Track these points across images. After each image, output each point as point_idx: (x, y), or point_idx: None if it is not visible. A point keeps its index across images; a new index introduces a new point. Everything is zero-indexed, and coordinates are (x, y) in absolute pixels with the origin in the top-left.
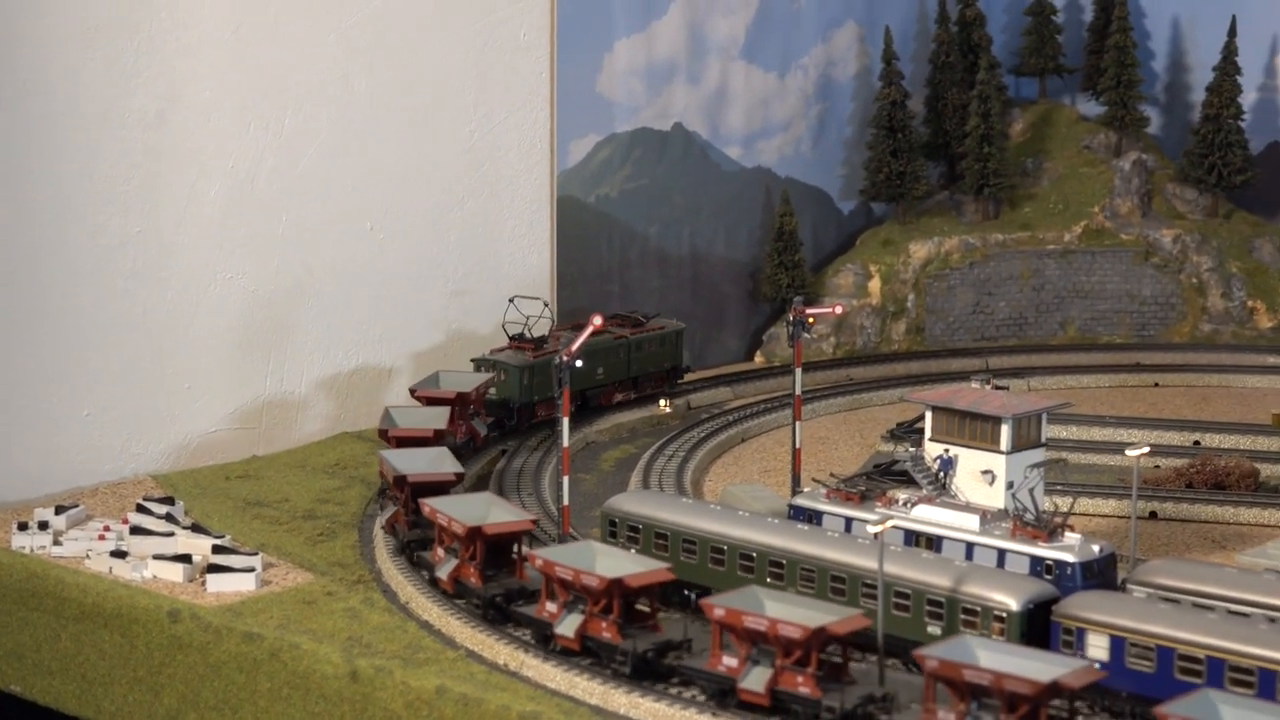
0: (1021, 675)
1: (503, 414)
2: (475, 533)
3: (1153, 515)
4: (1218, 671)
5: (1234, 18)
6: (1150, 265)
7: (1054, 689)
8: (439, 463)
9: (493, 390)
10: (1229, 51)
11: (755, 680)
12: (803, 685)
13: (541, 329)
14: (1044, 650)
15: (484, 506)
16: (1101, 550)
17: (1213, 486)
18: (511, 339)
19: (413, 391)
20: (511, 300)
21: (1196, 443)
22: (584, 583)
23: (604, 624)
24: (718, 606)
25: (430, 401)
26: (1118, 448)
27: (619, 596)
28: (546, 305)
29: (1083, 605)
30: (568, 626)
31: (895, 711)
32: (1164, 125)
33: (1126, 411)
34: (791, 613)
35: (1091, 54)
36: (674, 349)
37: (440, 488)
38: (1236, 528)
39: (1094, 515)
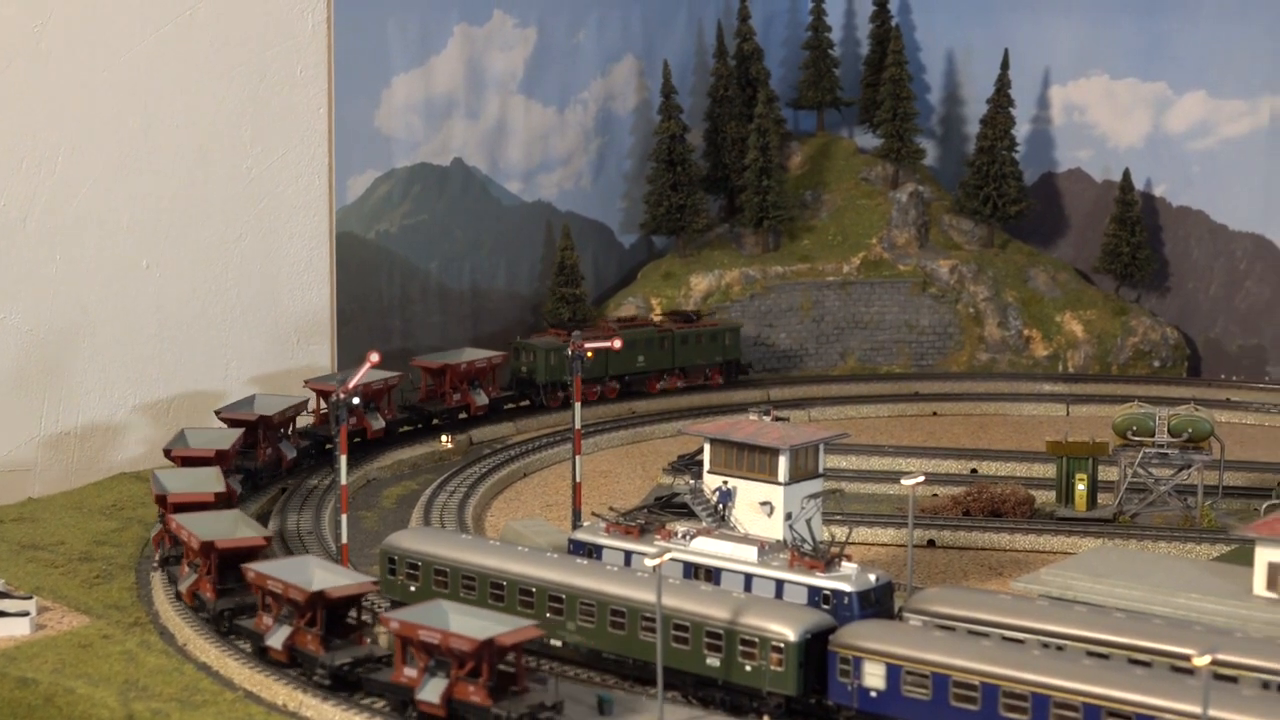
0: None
1: (531, 392)
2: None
3: (931, 543)
4: (992, 697)
5: (1006, 51)
6: (928, 295)
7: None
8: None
9: (524, 369)
10: (1002, 84)
11: (431, 691)
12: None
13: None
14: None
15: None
16: (878, 579)
17: (989, 514)
18: (551, 326)
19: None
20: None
21: (974, 470)
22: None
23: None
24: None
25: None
26: (897, 477)
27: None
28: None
29: (859, 634)
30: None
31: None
32: (940, 157)
33: (905, 441)
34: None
35: (868, 87)
36: (727, 345)
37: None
38: (1013, 554)
39: (873, 544)
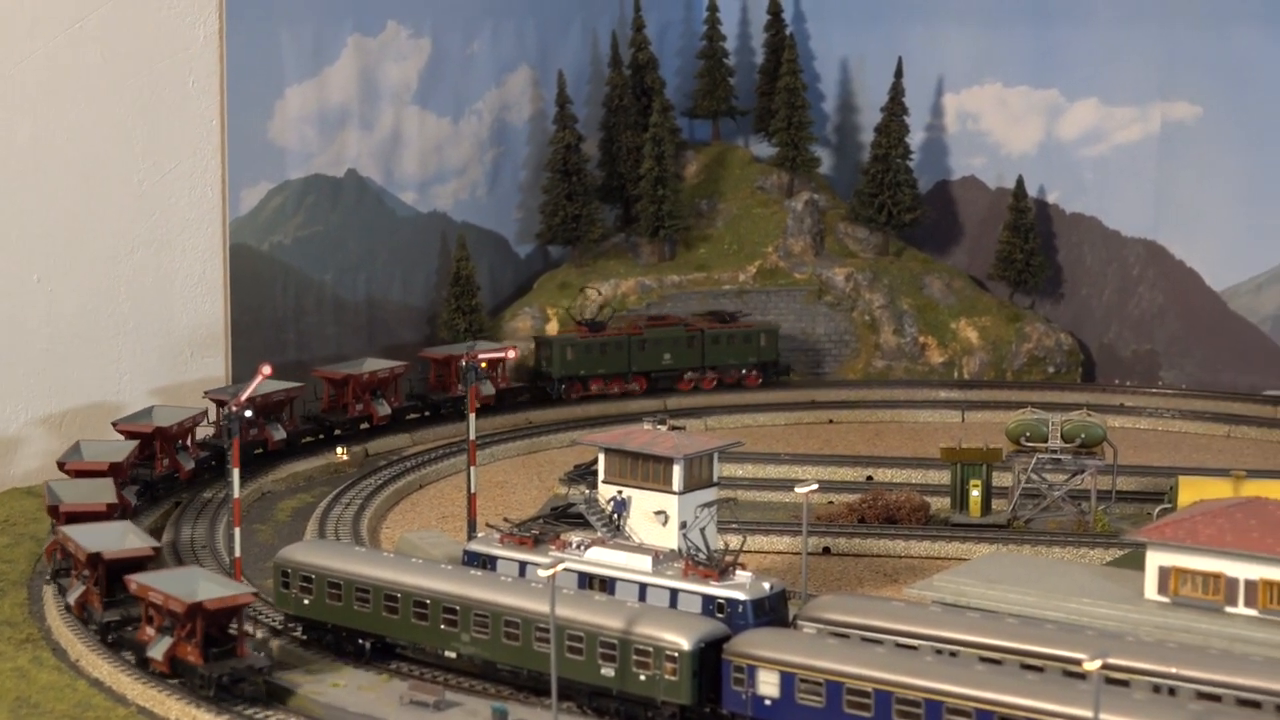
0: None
1: (548, 385)
2: (196, 609)
3: (826, 551)
4: (885, 704)
5: (900, 59)
6: (824, 303)
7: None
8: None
9: (543, 364)
10: (896, 92)
11: (158, 649)
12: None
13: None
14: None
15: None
16: (772, 588)
17: (885, 521)
18: (577, 322)
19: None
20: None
21: (869, 478)
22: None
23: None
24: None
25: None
26: (793, 484)
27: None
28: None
29: (753, 643)
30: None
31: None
32: (835, 165)
33: (802, 448)
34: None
35: (763, 96)
36: (762, 347)
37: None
38: (908, 561)
39: (769, 552)
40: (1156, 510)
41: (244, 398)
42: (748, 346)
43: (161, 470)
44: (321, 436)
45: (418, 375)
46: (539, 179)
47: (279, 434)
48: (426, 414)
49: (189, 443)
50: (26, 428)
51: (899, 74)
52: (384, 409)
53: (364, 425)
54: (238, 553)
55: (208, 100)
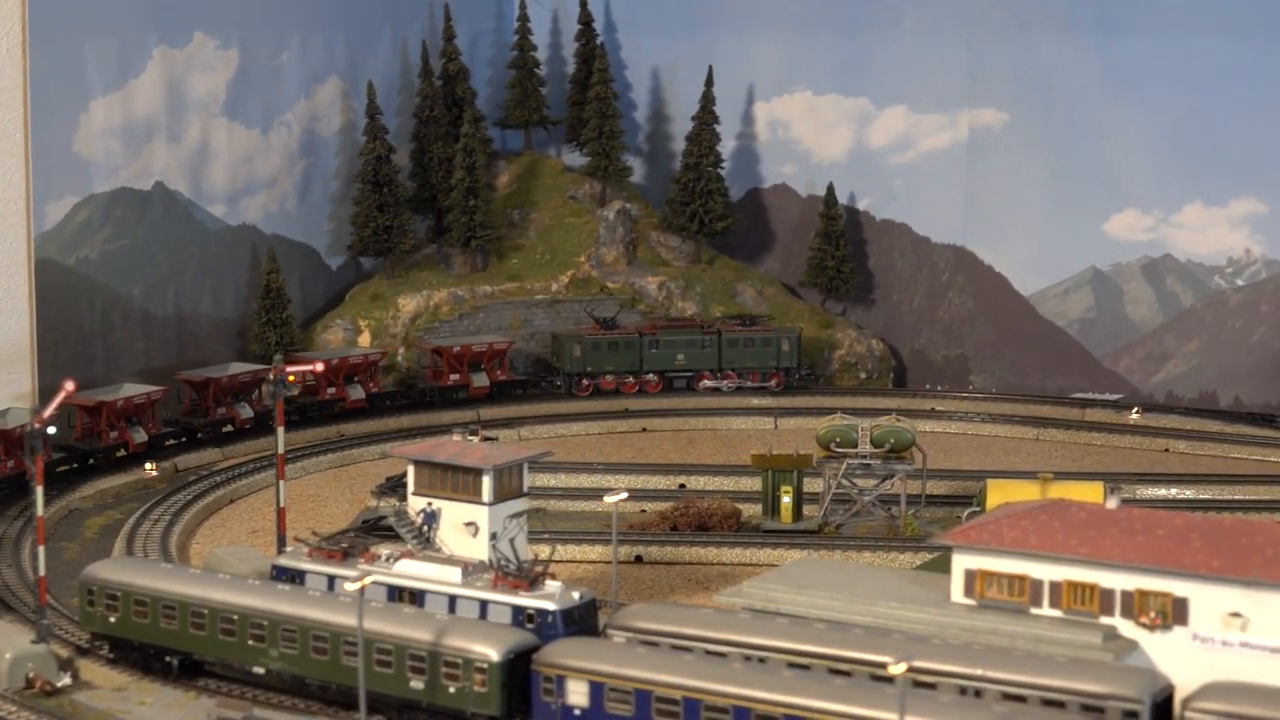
0: None
1: (561, 381)
2: None
3: (639, 559)
4: (694, 711)
5: (710, 68)
6: (637, 312)
7: None
8: None
9: (555, 360)
10: (707, 101)
11: None
12: None
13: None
14: None
15: None
16: (582, 597)
17: (697, 528)
18: (596, 321)
19: None
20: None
21: (682, 485)
22: None
23: None
24: None
25: None
26: (605, 494)
27: None
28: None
29: (562, 653)
30: None
31: None
32: (647, 174)
33: (615, 457)
34: None
35: (574, 105)
36: (782, 352)
37: None
38: (720, 568)
39: (581, 561)
40: (965, 513)
41: (46, 415)
42: (767, 350)
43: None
44: (185, 440)
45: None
46: (350, 190)
47: (140, 436)
48: (184, 440)
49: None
50: None
51: (709, 83)
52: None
53: (120, 453)
54: (42, 571)
55: (10, 113)
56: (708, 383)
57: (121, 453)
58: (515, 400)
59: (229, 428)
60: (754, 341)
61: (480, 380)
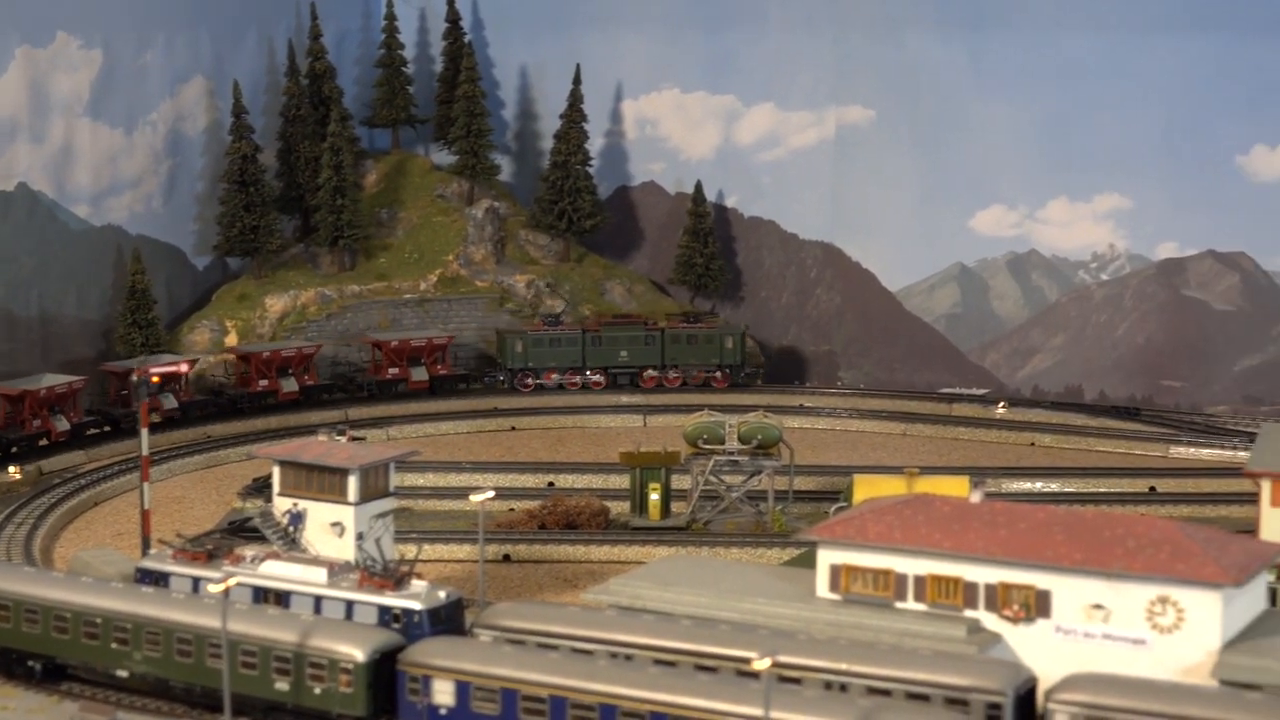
0: None
1: (504, 376)
2: None
3: (507, 558)
4: (560, 710)
5: (578, 66)
6: (505, 311)
7: None
8: None
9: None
10: (575, 99)
11: None
12: None
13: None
14: None
15: None
16: (448, 596)
17: (565, 526)
18: (542, 318)
19: None
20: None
21: (551, 484)
22: None
23: None
24: None
25: None
26: (472, 492)
27: None
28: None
29: (428, 652)
30: None
31: None
32: (516, 173)
33: (484, 456)
34: None
35: (442, 104)
36: (726, 349)
37: None
38: (588, 566)
39: (449, 561)
40: (833, 509)
41: None
42: (710, 348)
43: None
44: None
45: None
46: (216, 190)
47: (62, 425)
48: (107, 429)
49: None
50: None
51: (577, 81)
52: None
53: (42, 441)
54: None
55: None
56: (653, 372)
57: (44, 441)
58: (384, 399)
59: (44, 441)
60: (697, 339)
61: (419, 374)
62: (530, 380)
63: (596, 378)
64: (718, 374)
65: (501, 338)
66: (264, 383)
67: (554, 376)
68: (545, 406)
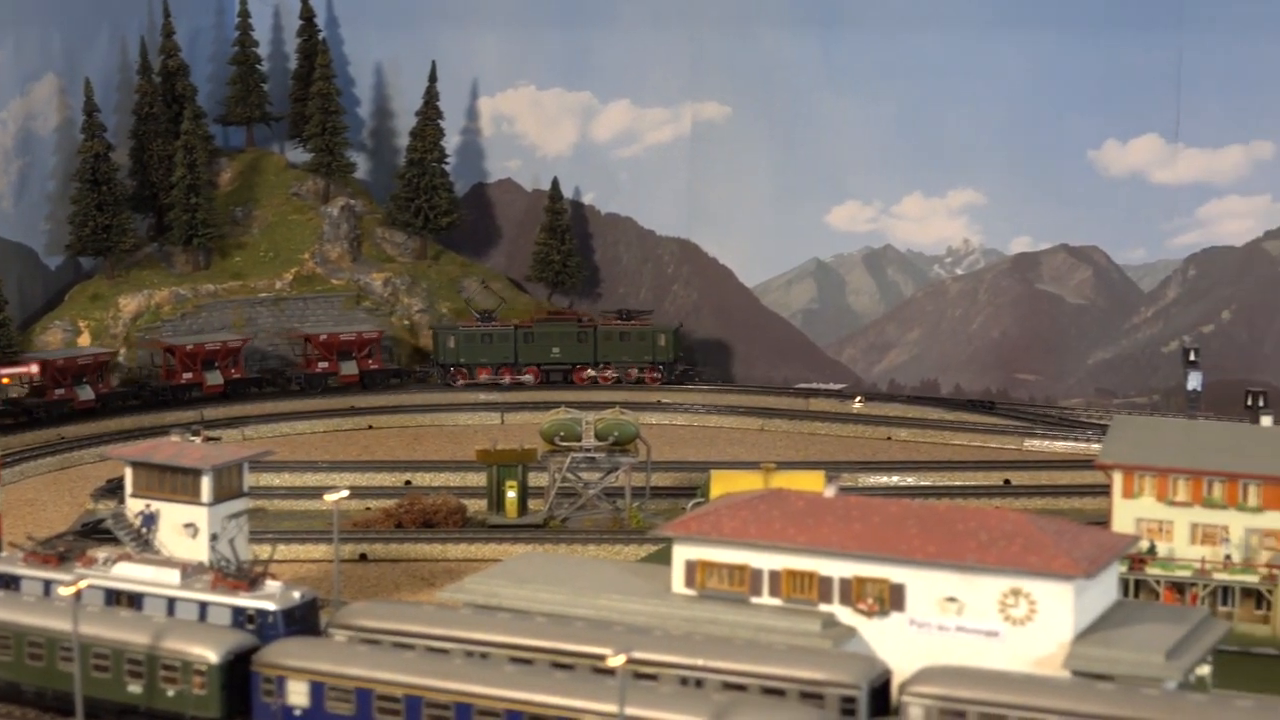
0: None
1: (439, 372)
2: None
3: (363, 557)
4: (415, 709)
5: (434, 63)
6: (362, 309)
7: None
8: None
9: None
10: (430, 96)
11: None
12: None
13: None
14: None
15: None
16: (302, 596)
17: (422, 525)
18: (476, 315)
19: None
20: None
21: (408, 482)
22: None
23: None
24: None
25: None
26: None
27: None
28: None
29: (282, 653)
30: None
31: None
32: (372, 170)
33: (340, 455)
34: None
35: (297, 102)
36: (658, 346)
37: None
38: (445, 564)
39: (305, 561)
40: (690, 504)
41: None
42: (643, 345)
43: None
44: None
45: None
46: (68, 189)
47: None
48: None
49: None
50: None
51: (433, 78)
52: None
53: None
54: None
55: None
56: (588, 369)
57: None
58: (241, 399)
59: None
60: (630, 335)
61: (349, 369)
62: (463, 375)
63: (527, 377)
64: (651, 371)
65: (435, 333)
66: (188, 375)
67: (486, 374)
68: (403, 405)
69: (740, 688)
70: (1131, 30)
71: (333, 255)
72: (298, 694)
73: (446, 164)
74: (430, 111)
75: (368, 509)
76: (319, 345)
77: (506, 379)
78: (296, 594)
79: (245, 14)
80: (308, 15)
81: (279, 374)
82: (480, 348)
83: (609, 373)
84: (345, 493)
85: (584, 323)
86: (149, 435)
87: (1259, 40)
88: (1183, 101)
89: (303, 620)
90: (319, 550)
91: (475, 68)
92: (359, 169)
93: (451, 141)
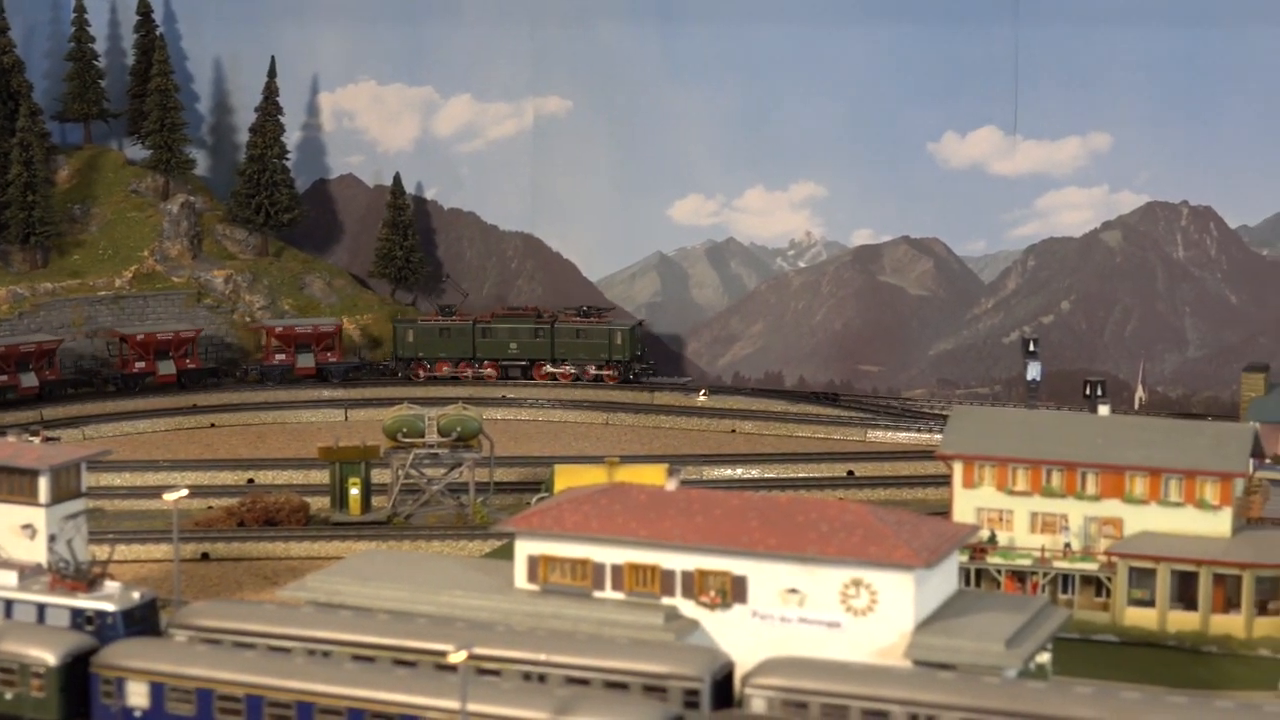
0: None
1: (399, 365)
2: None
3: (205, 557)
4: (256, 708)
5: (273, 59)
6: (203, 306)
7: None
8: None
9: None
10: (270, 92)
11: None
12: None
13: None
14: None
15: None
16: (142, 597)
17: (265, 523)
18: (438, 309)
19: None
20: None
21: (250, 480)
22: None
23: None
24: None
25: None
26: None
27: None
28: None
29: (121, 654)
30: None
31: None
32: (212, 167)
33: (182, 454)
34: None
35: (135, 98)
36: (616, 345)
37: None
38: (289, 562)
39: (146, 561)
40: (534, 499)
41: None
42: (599, 343)
43: None
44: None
45: None
46: None
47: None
48: None
49: None
50: None
51: (272, 74)
52: None
53: None
54: None
55: None
56: (546, 365)
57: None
58: (81, 398)
59: None
60: (585, 333)
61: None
62: (423, 369)
63: (488, 370)
64: (608, 370)
65: (394, 326)
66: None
67: (446, 367)
68: (246, 403)
69: (583, 682)
70: (970, 23)
71: (173, 253)
72: (138, 695)
73: (287, 160)
74: (270, 107)
75: (210, 508)
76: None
77: (469, 374)
78: (136, 594)
79: (81, 9)
80: (145, 11)
81: (95, 374)
82: (438, 342)
83: (567, 368)
84: (185, 492)
85: (541, 319)
86: (89, 422)
87: (1095, 33)
88: (1021, 94)
89: (143, 621)
90: (160, 550)
91: (315, 63)
92: (199, 165)
93: (292, 137)
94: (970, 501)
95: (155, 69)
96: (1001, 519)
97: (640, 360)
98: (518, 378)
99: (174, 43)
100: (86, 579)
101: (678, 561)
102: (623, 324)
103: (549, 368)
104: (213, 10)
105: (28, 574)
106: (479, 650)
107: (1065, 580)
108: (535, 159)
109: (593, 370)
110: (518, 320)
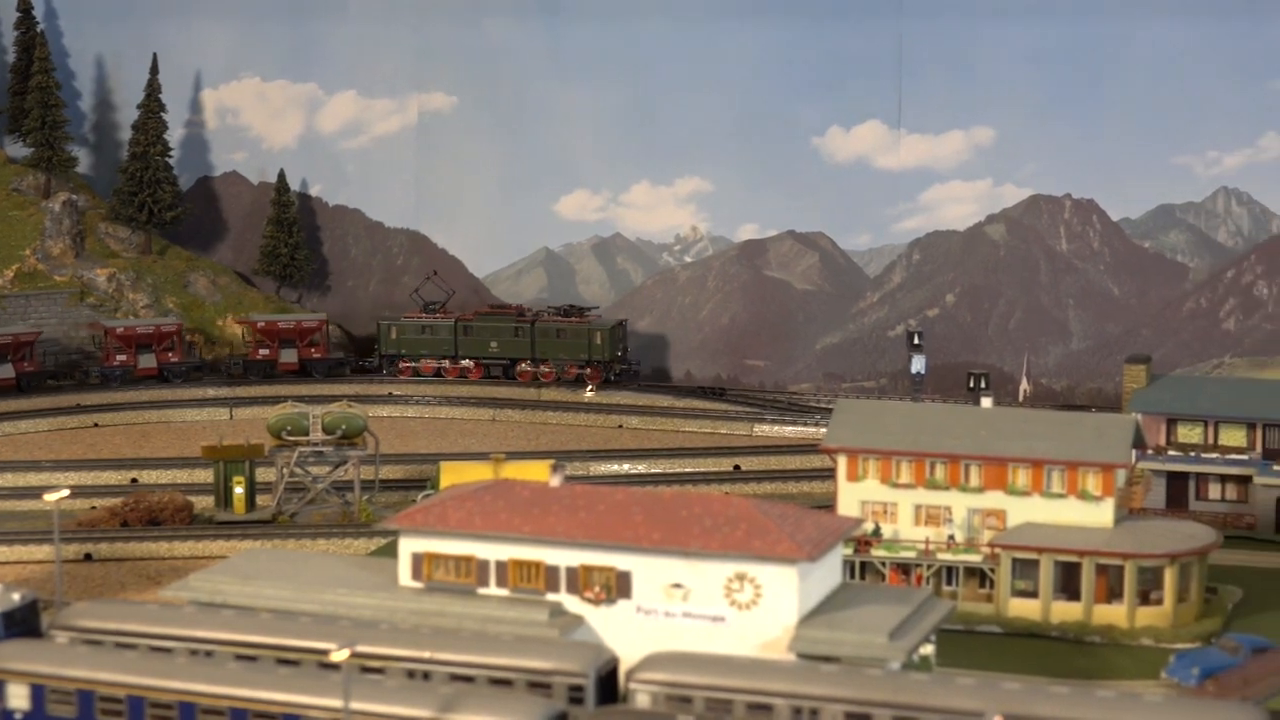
0: None
1: (384, 362)
2: None
3: (88, 557)
4: (138, 709)
5: (155, 55)
6: (86, 305)
7: None
8: None
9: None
10: (153, 89)
11: None
12: None
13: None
14: None
15: None
16: (22, 598)
17: (148, 523)
18: (421, 307)
19: None
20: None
21: (134, 480)
22: None
23: None
24: None
25: None
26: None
27: None
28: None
29: (1, 656)
30: None
31: None
32: (94, 164)
33: (65, 454)
34: None
35: (15, 95)
36: (596, 344)
37: None
38: (173, 562)
39: (28, 562)
40: (420, 496)
41: None
42: (578, 343)
43: None
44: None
45: None
46: None
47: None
48: None
49: None
50: None
51: (155, 70)
52: None
53: None
54: None
55: None
56: (526, 365)
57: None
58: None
59: None
60: (565, 333)
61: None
62: (406, 367)
63: (469, 365)
64: (588, 370)
65: (379, 324)
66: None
67: (432, 365)
68: (130, 402)
69: (468, 679)
70: (854, 17)
71: (55, 251)
72: (18, 697)
73: (170, 157)
74: (152, 104)
75: (93, 508)
76: (259, 332)
77: (452, 374)
78: (16, 596)
79: None
80: (25, 7)
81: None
82: (421, 340)
83: (545, 368)
84: (66, 492)
85: (522, 318)
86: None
87: (978, 27)
88: (904, 88)
89: (23, 622)
90: (42, 551)
91: (198, 60)
92: (81, 163)
93: (175, 135)
94: (854, 494)
95: (36, 66)
96: (886, 512)
97: (622, 360)
98: (498, 377)
99: (55, 39)
100: None
101: (562, 557)
102: (603, 324)
103: (524, 365)
104: (94, 7)
105: None
106: (362, 649)
107: (949, 572)
108: (420, 155)
109: (574, 370)
110: (498, 319)
